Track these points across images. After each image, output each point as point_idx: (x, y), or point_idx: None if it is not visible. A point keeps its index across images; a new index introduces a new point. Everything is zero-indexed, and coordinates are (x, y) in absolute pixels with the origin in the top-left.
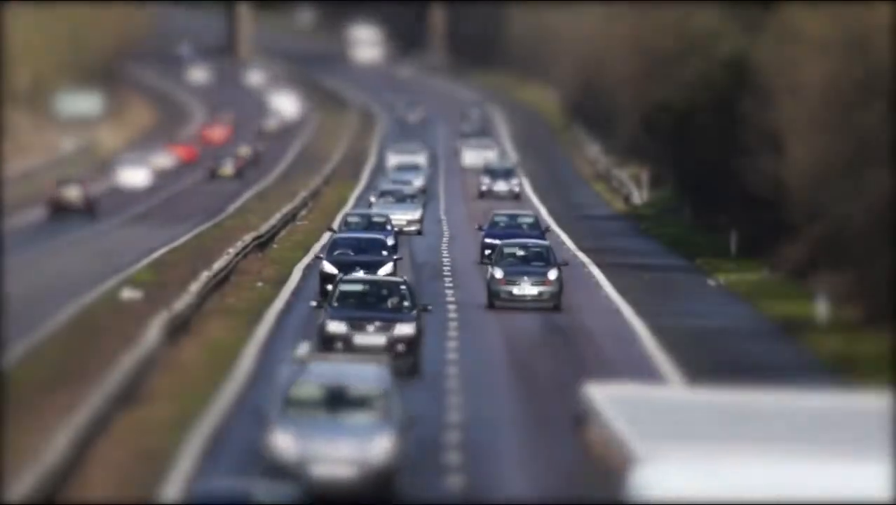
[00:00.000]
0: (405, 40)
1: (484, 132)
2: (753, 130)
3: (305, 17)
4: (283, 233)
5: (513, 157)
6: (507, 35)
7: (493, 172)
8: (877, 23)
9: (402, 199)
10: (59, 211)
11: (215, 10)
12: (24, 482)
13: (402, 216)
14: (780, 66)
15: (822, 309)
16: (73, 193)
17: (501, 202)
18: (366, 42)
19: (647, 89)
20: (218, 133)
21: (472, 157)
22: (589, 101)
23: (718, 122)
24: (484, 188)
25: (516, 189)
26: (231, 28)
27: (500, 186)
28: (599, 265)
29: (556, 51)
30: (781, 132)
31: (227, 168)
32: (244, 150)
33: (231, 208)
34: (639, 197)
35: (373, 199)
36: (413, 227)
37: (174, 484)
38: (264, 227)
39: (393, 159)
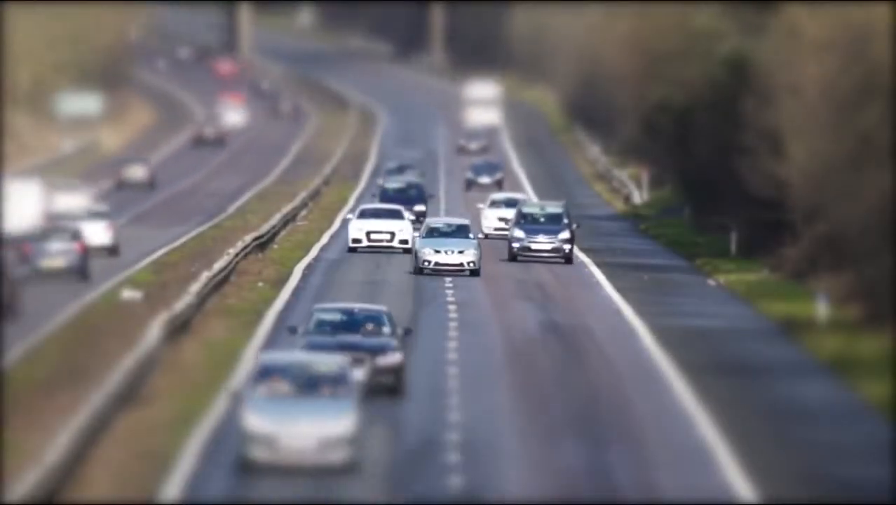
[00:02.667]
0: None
1: (500, 173)
2: (753, 130)
3: (305, 17)
4: (283, 233)
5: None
6: (508, 35)
7: (532, 221)
8: (877, 23)
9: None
10: (200, 143)
11: (215, 11)
12: (25, 482)
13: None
14: (780, 66)
15: (822, 309)
16: (209, 131)
17: (543, 270)
18: (481, 101)
19: (647, 89)
20: (226, 67)
21: (495, 218)
22: (589, 101)
23: (718, 122)
24: (517, 245)
25: (567, 247)
26: (231, 28)
27: (542, 243)
28: (599, 265)
29: (557, 51)
30: (781, 132)
31: (286, 106)
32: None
33: (231, 208)
34: (639, 197)
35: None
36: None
37: (174, 484)
38: (264, 228)
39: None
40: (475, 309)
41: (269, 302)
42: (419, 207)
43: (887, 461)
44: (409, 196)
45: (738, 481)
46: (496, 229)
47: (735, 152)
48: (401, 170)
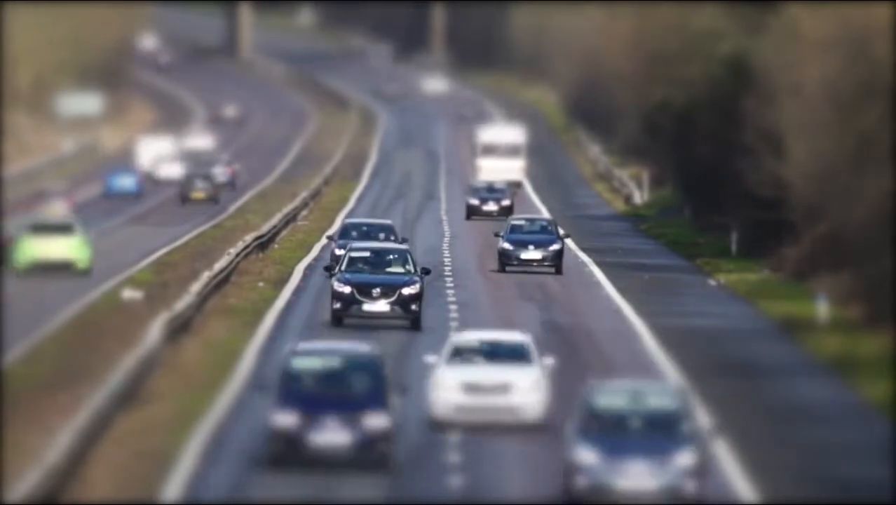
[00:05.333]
0: None
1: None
2: (754, 130)
3: (305, 17)
4: (284, 233)
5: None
6: (508, 35)
7: (616, 426)
8: (877, 23)
9: None
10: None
11: (215, 11)
12: (26, 482)
13: None
14: (780, 66)
15: (822, 309)
16: (229, 112)
17: None
18: (501, 149)
19: (648, 89)
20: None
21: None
22: (589, 101)
23: (718, 122)
24: (585, 482)
25: (690, 487)
26: (231, 28)
27: (637, 477)
28: (599, 265)
29: (557, 51)
30: (782, 132)
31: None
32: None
33: (232, 208)
34: (639, 197)
35: None
36: None
37: (175, 484)
38: (265, 227)
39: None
40: (476, 309)
41: (269, 302)
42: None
43: (887, 461)
44: (344, 390)
45: (739, 481)
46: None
47: (735, 152)
48: (368, 233)
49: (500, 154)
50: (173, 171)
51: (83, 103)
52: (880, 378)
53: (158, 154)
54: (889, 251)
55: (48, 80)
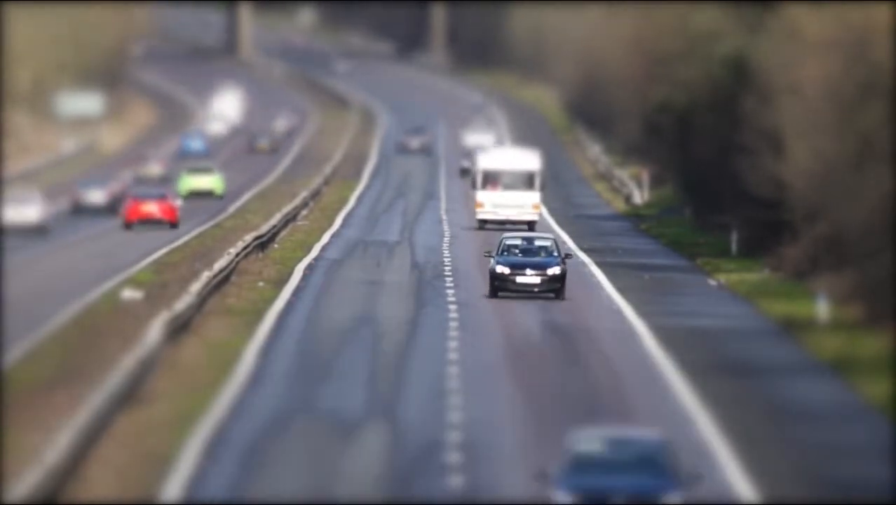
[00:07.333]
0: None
1: None
2: (753, 130)
3: (306, 17)
4: (283, 233)
5: None
6: (508, 35)
7: None
8: (877, 23)
9: None
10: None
11: (215, 11)
12: (25, 482)
13: None
14: (780, 66)
15: (822, 309)
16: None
17: None
18: (507, 178)
19: (648, 89)
20: None
21: None
22: (589, 101)
23: (718, 122)
24: None
25: None
26: (231, 28)
27: None
28: (599, 265)
29: (557, 51)
30: (781, 132)
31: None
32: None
33: (231, 208)
34: (639, 197)
35: None
36: None
37: (175, 484)
38: (265, 227)
39: None
40: (476, 309)
41: (269, 302)
42: None
43: (887, 461)
44: None
45: (739, 481)
46: None
47: (735, 152)
48: None
49: (507, 185)
50: (217, 127)
51: (83, 103)
52: (880, 378)
53: (222, 112)
54: (889, 251)
55: (48, 80)
